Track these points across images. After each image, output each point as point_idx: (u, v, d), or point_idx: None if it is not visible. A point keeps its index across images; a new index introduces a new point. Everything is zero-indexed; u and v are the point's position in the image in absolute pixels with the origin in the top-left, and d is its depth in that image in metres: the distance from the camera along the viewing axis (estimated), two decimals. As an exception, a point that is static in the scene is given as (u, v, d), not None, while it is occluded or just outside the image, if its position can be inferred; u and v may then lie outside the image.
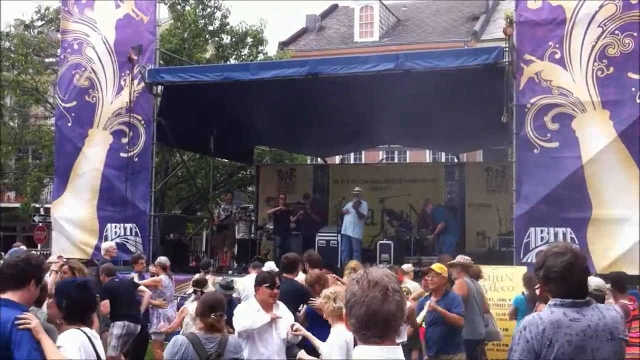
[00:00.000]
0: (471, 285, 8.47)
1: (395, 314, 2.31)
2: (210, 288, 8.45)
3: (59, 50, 17.46)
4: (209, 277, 10.43)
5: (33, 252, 11.08)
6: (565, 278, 3.23)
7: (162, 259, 11.42)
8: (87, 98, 15.01)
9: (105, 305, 9.29)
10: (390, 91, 13.97)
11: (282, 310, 6.32)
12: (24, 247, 13.88)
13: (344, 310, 5.54)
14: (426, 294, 8.00)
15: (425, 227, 15.93)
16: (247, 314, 6.14)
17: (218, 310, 4.94)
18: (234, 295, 9.21)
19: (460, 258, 8.90)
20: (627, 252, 10.81)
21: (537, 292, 3.52)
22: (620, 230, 11.01)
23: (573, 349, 3.15)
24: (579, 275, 3.27)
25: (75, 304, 4.03)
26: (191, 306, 8.36)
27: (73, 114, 15.12)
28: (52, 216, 15.67)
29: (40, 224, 26.18)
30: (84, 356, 3.85)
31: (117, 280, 9.77)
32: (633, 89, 11.23)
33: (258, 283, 6.32)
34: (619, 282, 7.89)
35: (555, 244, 3.47)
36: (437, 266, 7.56)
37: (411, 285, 10.07)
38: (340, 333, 5.54)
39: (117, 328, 9.32)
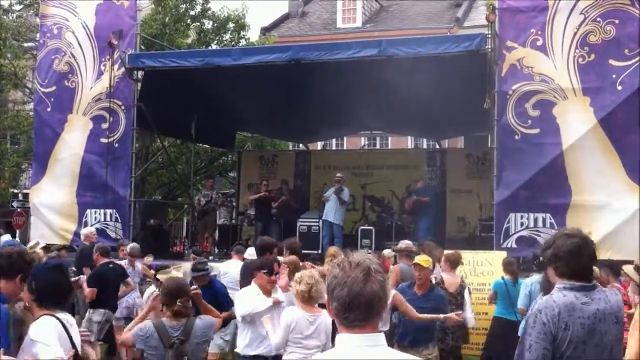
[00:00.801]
0: (405, 271, 8.49)
1: (379, 294, 2.27)
2: (174, 274, 8.36)
3: (37, 35, 17.24)
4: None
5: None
6: (574, 258, 3.27)
7: (134, 247, 11.31)
8: (66, 83, 14.86)
9: (92, 292, 9.25)
10: (373, 77, 13.96)
11: (280, 294, 6.35)
12: (8, 236, 13.78)
13: (311, 294, 5.68)
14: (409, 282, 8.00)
15: (406, 214, 15.91)
16: (249, 298, 6.14)
17: (182, 296, 4.88)
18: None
19: (403, 244, 9.06)
20: (606, 237, 10.90)
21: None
22: (600, 216, 11.11)
23: (586, 332, 3.20)
24: (586, 258, 3.32)
25: (47, 288, 3.87)
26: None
27: (52, 99, 14.96)
28: (30, 202, 15.52)
29: (18, 210, 25.96)
30: (61, 348, 3.70)
31: (110, 265, 9.68)
32: (614, 76, 11.30)
33: (256, 268, 6.33)
34: (614, 267, 7.93)
35: (565, 228, 3.51)
36: (422, 260, 7.46)
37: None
38: (288, 314, 5.72)
39: (98, 315, 9.27)
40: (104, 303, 9.24)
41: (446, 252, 9.34)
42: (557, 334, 3.17)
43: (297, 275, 5.92)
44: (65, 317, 3.89)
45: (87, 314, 9.39)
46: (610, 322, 3.27)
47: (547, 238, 3.46)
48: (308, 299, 5.63)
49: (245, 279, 8.57)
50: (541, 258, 3.46)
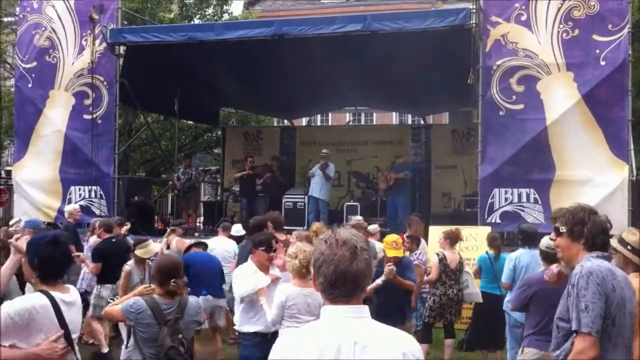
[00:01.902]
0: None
1: (364, 273, 2.33)
2: (152, 248, 8.37)
3: (17, 9, 16.97)
4: (175, 238, 10.35)
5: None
6: (605, 233, 3.56)
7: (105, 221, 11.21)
8: (47, 58, 14.67)
9: (97, 267, 9.21)
10: (357, 52, 13.89)
11: (277, 270, 6.35)
12: None
13: (308, 269, 5.71)
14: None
15: (384, 190, 15.76)
16: (247, 278, 6.12)
17: (176, 276, 4.75)
18: None
19: (353, 221, 9.38)
20: (589, 212, 11.00)
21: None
22: (583, 191, 11.19)
23: (623, 297, 3.39)
24: (608, 232, 3.62)
25: (41, 262, 3.79)
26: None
27: (33, 75, 14.78)
28: (13, 179, 15.41)
29: (1, 187, 25.71)
30: (23, 322, 3.54)
31: (113, 240, 9.63)
32: (597, 51, 11.32)
33: (255, 245, 6.30)
34: None
35: (579, 204, 3.71)
36: (391, 253, 7.52)
37: (378, 246, 10.16)
38: (283, 290, 5.73)
39: (106, 290, 9.18)
40: (111, 278, 9.09)
41: (445, 229, 9.44)
42: (608, 295, 3.31)
43: (292, 249, 5.92)
44: (63, 295, 3.78)
45: (95, 289, 9.35)
46: (630, 291, 3.49)
47: (562, 213, 3.65)
48: (306, 273, 5.62)
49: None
50: (563, 231, 3.60)
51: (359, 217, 9.96)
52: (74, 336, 3.81)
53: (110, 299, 8.66)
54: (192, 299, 4.90)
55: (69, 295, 3.83)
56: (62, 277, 3.90)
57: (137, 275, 8.29)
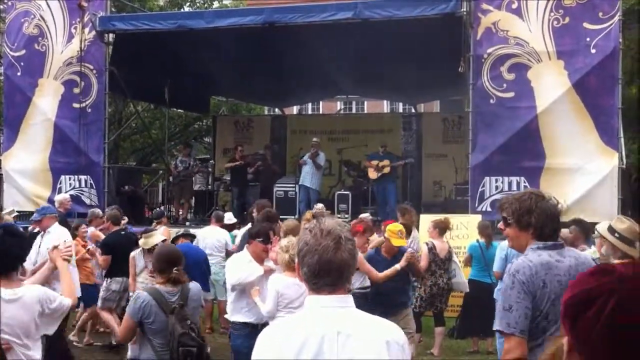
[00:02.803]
0: None
1: (349, 262, 2.32)
2: (158, 238, 8.31)
3: (6, -3, 16.83)
4: (164, 229, 10.30)
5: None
6: (553, 219, 3.36)
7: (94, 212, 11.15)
8: (36, 47, 14.56)
9: (106, 260, 9.11)
10: (348, 41, 13.83)
11: (271, 263, 6.29)
12: None
13: (296, 261, 5.65)
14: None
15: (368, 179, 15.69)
16: (240, 267, 6.10)
17: (178, 264, 4.77)
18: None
19: (315, 209, 9.66)
20: (580, 200, 11.04)
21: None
22: (573, 179, 11.23)
23: (562, 288, 3.22)
24: (558, 218, 3.42)
25: None
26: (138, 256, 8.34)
27: (22, 63, 14.67)
28: (2, 168, 15.31)
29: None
30: None
31: (122, 232, 9.49)
32: (588, 39, 11.32)
33: (252, 236, 6.28)
34: (584, 229, 7.91)
35: (529, 189, 3.55)
36: (397, 242, 7.55)
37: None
38: (277, 281, 5.71)
39: (115, 284, 9.08)
40: (121, 271, 8.96)
41: (433, 218, 9.45)
42: (536, 292, 3.21)
43: (284, 242, 5.89)
44: (5, 291, 3.56)
45: (105, 283, 9.23)
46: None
47: (509, 202, 3.44)
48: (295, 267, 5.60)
49: None
50: (511, 221, 3.43)
51: (319, 205, 10.04)
52: (7, 337, 3.55)
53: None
54: (192, 285, 4.90)
55: (13, 292, 3.59)
56: (11, 272, 3.69)
57: (141, 261, 8.25)
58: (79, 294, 7.11)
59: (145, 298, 4.62)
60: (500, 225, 3.57)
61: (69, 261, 3.92)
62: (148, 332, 4.61)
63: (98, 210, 11.20)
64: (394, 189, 14.98)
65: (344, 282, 2.32)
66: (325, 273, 2.28)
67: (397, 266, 7.36)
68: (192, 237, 9.58)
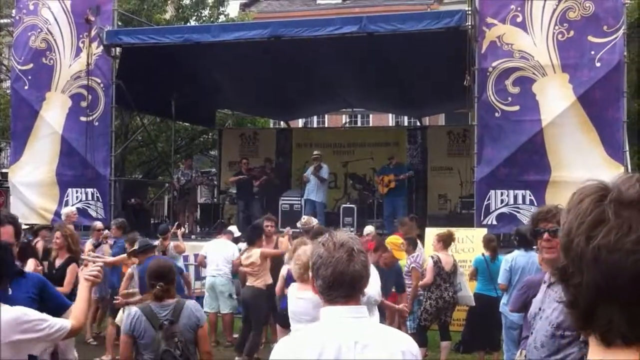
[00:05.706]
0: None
1: (361, 274, 2.38)
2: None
3: (14, 11, 16.95)
4: (170, 243, 10.30)
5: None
6: None
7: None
8: (44, 60, 14.65)
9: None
10: (354, 54, 13.90)
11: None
12: None
13: (309, 273, 5.66)
14: None
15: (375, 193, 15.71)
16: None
17: (163, 280, 4.72)
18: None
19: (302, 220, 9.92)
20: (585, 213, 11.03)
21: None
22: (578, 192, 11.21)
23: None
24: None
25: None
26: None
27: (30, 77, 14.76)
28: (9, 181, 15.38)
29: (-3, 189, 25.70)
30: None
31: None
32: (592, 52, 11.36)
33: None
34: None
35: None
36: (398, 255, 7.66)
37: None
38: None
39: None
40: None
41: (439, 231, 9.47)
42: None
43: (296, 255, 5.91)
44: None
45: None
46: None
47: (557, 210, 3.32)
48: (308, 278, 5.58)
49: (253, 241, 9.20)
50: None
51: (306, 217, 10.24)
52: None
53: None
54: (189, 302, 4.89)
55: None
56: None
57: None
58: None
59: (136, 313, 4.65)
60: (547, 236, 3.40)
61: (93, 282, 3.90)
62: (139, 347, 4.63)
63: (99, 224, 11.28)
64: (402, 202, 14.98)
65: (357, 293, 2.39)
66: (339, 285, 2.35)
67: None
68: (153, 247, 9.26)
